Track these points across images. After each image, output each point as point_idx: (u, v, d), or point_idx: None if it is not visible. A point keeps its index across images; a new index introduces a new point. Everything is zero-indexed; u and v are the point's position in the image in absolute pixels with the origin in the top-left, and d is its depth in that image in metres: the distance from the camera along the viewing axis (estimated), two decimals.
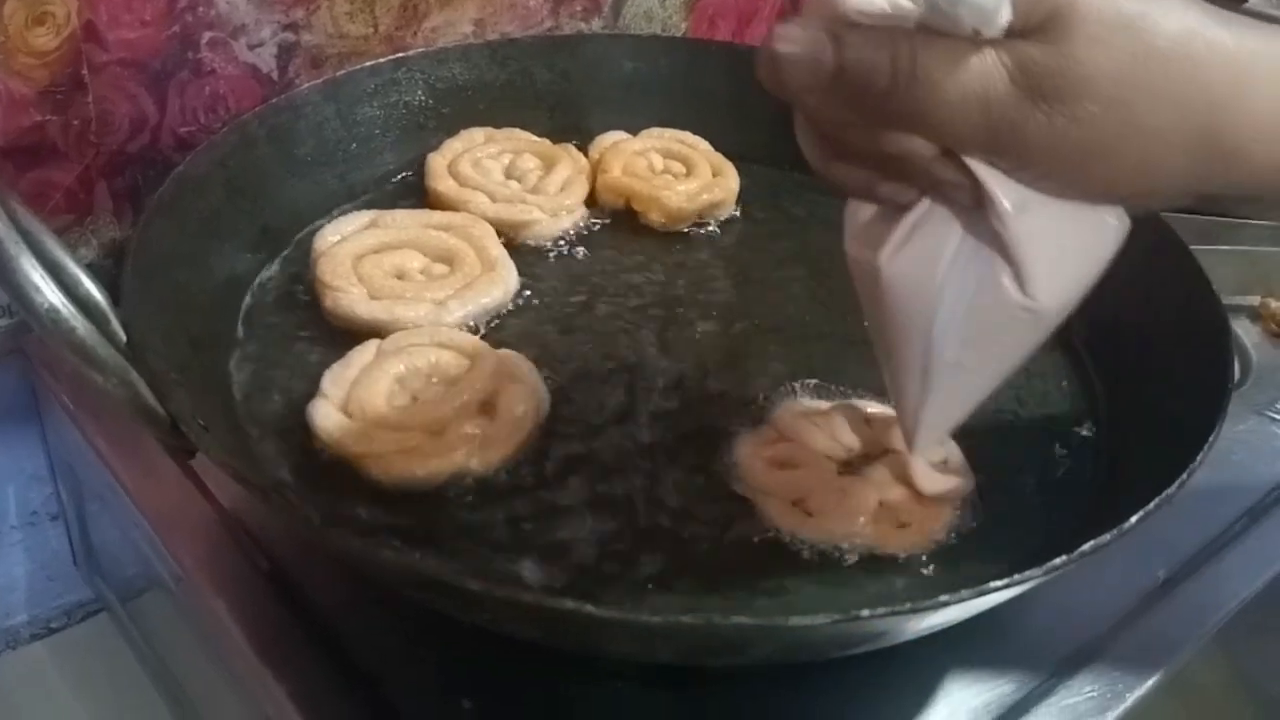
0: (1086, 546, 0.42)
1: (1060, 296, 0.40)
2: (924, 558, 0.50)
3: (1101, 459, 0.56)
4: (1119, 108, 0.36)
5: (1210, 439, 0.47)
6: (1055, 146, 0.36)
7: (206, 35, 0.68)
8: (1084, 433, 0.58)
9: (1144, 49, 0.35)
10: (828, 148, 0.40)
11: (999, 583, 0.40)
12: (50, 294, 0.40)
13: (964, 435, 0.55)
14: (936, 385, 0.43)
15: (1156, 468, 0.49)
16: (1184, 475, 0.45)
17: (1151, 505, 0.44)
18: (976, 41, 0.35)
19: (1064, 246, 0.39)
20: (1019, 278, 0.39)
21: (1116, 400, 0.58)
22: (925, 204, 0.39)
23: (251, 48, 0.71)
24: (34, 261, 0.40)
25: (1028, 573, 0.41)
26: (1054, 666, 0.53)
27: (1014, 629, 0.54)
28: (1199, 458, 0.46)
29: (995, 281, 0.39)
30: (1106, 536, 0.43)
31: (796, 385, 0.58)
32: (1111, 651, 0.54)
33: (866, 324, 0.44)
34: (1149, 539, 0.45)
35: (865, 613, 0.39)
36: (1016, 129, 0.36)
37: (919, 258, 0.40)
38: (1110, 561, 0.45)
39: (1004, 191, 0.37)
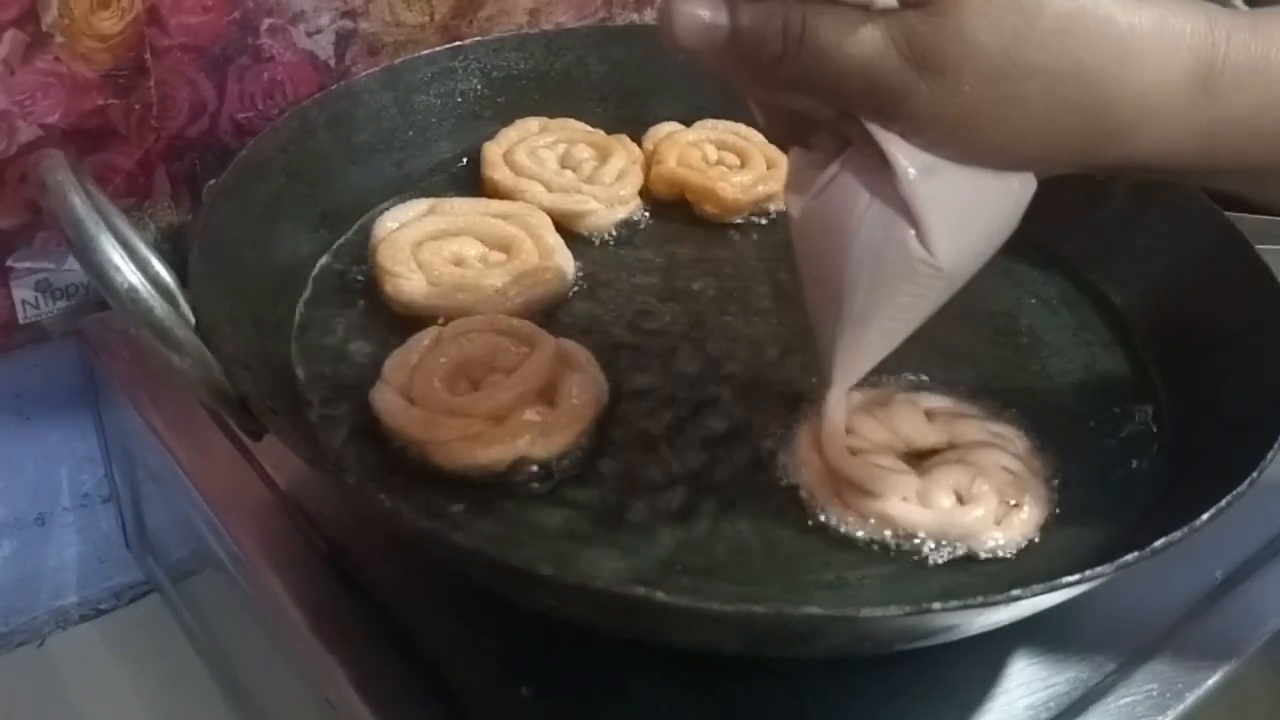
0: (1159, 543, 0.42)
1: (962, 256, 0.42)
2: (983, 552, 0.50)
3: (1162, 456, 0.55)
4: (999, 82, 0.37)
5: None
6: (939, 115, 0.37)
7: (266, 22, 0.69)
8: (1144, 430, 0.57)
9: (1028, 26, 0.36)
10: (763, 101, 0.43)
11: (1071, 578, 0.40)
12: (130, 274, 0.41)
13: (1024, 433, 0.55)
14: (847, 330, 0.45)
15: (1221, 466, 0.49)
16: (1255, 473, 0.45)
17: (1223, 502, 0.43)
18: (869, 11, 0.36)
19: (966, 208, 0.41)
20: (920, 236, 0.41)
21: (1178, 397, 0.58)
22: (848, 153, 0.41)
23: (310, 35, 0.71)
24: (114, 241, 0.40)
25: (1100, 568, 0.41)
26: (1113, 664, 0.52)
27: (1070, 626, 0.54)
28: (1269, 455, 0.46)
29: (900, 237, 0.41)
30: (1178, 533, 0.42)
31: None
32: (1171, 651, 0.53)
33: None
34: (1206, 539, 0.45)
35: (937, 605, 0.39)
36: (902, 98, 0.37)
37: (835, 205, 0.42)
38: (1168, 561, 0.45)
39: (903, 153, 0.39)
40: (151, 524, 0.71)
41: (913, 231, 0.40)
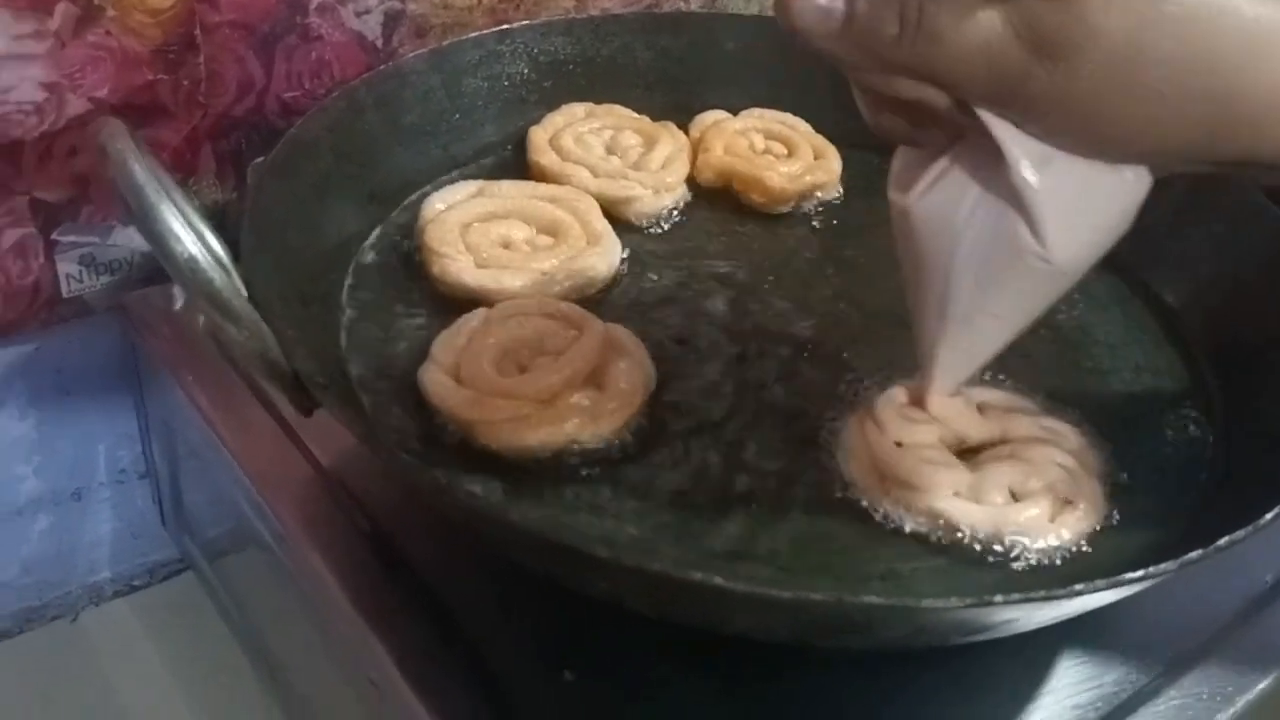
0: (1223, 540, 0.41)
1: (1075, 250, 0.41)
2: (1038, 550, 0.49)
3: (1218, 456, 0.54)
4: (1122, 68, 0.36)
5: None
6: (1059, 102, 0.37)
7: (315, 0, 0.69)
8: (1199, 429, 0.56)
9: (1153, 12, 0.35)
10: (871, 95, 0.41)
11: (1135, 574, 0.39)
12: (191, 244, 0.40)
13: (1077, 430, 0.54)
14: (949, 331, 0.45)
15: (1275, 466, 0.48)
16: None
17: None
18: None
19: (1080, 202, 0.40)
20: (1033, 230, 0.40)
21: (1234, 397, 0.57)
22: (956, 150, 0.41)
23: (359, 15, 0.71)
24: (175, 210, 0.40)
25: (1164, 565, 0.40)
26: (1161, 667, 0.51)
27: (1118, 628, 0.53)
28: None
29: (1011, 231, 0.40)
30: (1242, 532, 0.42)
31: (903, 371, 0.57)
32: (1220, 655, 0.52)
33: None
34: (1256, 542, 0.44)
35: (999, 598, 0.38)
36: (1020, 84, 0.37)
37: (943, 200, 0.42)
38: (1217, 564, 0.44)
39: (1018, 144, 0.38)
40: (189, 502, 0.71)
41: (1025, 224, 0.40)
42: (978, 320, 0.44)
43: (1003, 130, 0.38)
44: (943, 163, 0.41)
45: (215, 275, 0.41)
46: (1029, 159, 0.38)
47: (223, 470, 0.59)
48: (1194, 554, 0.40)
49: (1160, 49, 0.36)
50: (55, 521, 0.74)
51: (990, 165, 0.39)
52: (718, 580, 0.37)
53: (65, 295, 0.67)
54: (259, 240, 0.52)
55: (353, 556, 0.53)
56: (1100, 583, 0.39)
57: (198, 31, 0.65)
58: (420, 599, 0.51)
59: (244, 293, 0.47)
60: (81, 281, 0.68)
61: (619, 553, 0.39)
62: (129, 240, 0.68)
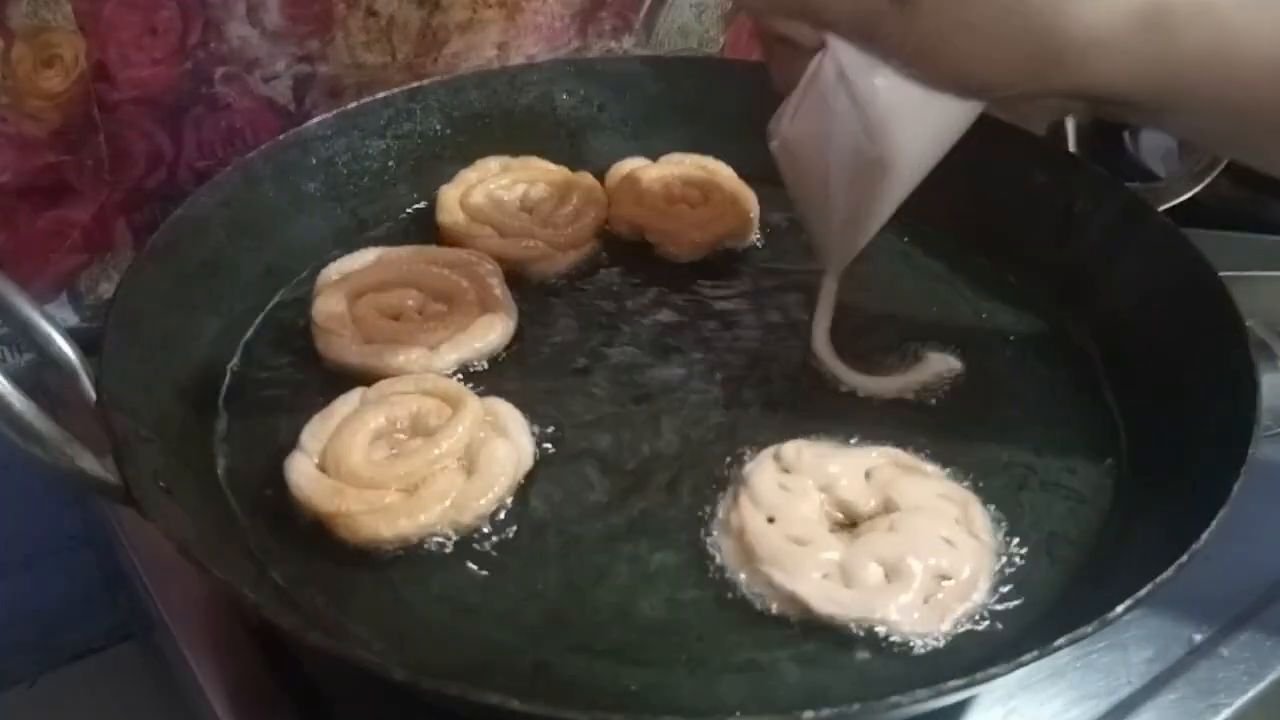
0: (1061, 640, 0.39)
1: (911, 159, 0.50)
2: (911, 636, 0.46)
3: (1116, 520, 0.52)
4: (954, 9, 0.43)
5: (1221, 510, 0.43)
6: (904, 37, 0.45)
7: (220, 70, 0.68)
8: (1102, 492, 0.53)
9: None
10: (769, 44, 0.51)
11: (958, 681, 0.38)
12: None
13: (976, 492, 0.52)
14: (822, 220, 0.55)
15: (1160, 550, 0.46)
16: (1183, 557, 0.41)
17: (1120, 609, 0.40)
18: None
19: (917, 121, 0.48)
20: (869, 135, 0.48)
21: (1143, 452, 0.54)
22: (807, 81, 0.49)
23: (267, 80, 0.70)
24: None
25: (993, 669, 0.38)
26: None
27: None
28: (1203, 536, 0.42)
29: (854, 134, 0.49)
30: (1086, 629, 0.39)
31: (795, 438, 0.54)
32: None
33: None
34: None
35: (809, 715, 0.36)
36: (877, 22, 0.45)
37: (810, 118, 0.50)
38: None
39: (863, 72, 0.47)
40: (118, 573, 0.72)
41: (868, 133, 0.48)
42: (838, 210, 0.53)
43: (846, 55, 0.47)
44: (799, 93, 0.50)
45: (15, 401, 0.40)
46: (868, 75, 0.47)
47: (120, 548, 0.59)
48: (1028, 655, 0.38)
49: None
50: (6, 589, 0.75)
51: (843, 87, 0.47)
52: (454, 689, 0.36)
53: None
54: (127, 334, 0.52)
55: (235, 649, 0.53)
56: (921, 693, 0.37)
57: (96, 111, 0.65)
58: (301, 695, 0.50)
59: (92, 396, 0.47)
60: (4, 361, 0.69)
61: (436, 651, 0.38)
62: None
